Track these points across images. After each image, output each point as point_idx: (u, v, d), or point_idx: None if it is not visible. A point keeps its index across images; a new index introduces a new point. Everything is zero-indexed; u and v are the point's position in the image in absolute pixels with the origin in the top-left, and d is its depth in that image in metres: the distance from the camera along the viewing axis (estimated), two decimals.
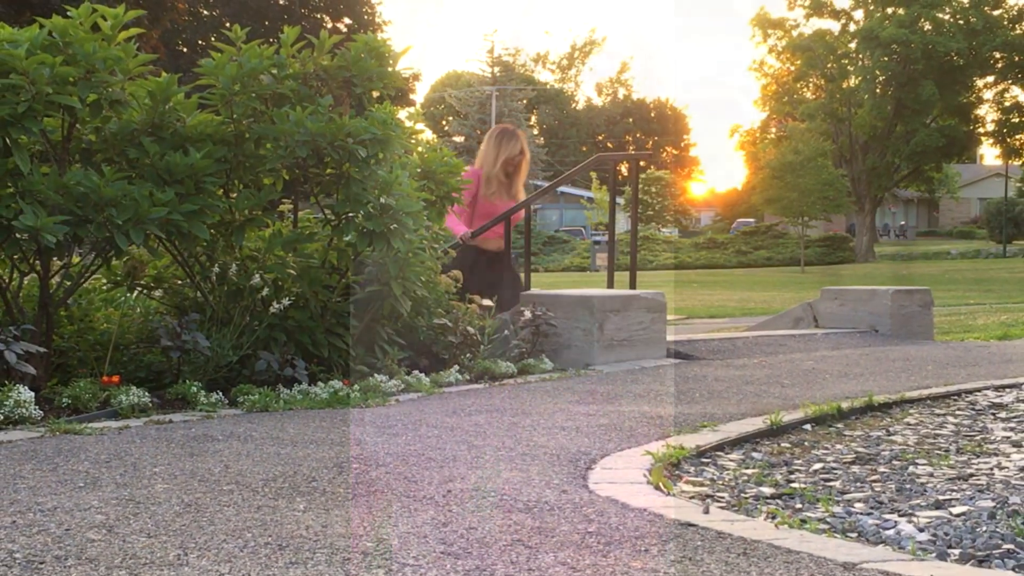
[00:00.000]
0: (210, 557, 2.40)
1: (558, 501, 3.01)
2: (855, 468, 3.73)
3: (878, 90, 48.26)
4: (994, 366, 6.56)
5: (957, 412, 4.93)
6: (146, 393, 4.54)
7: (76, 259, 5.26)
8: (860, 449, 4.06)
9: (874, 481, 3.52)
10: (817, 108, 49.21)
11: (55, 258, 4.92)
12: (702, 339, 7.72)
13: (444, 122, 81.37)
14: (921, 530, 2.88)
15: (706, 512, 2.96)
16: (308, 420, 4.39)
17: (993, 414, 4.86)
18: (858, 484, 3.48)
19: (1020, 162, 54.24)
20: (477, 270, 7.52)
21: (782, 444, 4.19)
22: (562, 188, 58.41)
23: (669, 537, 2.63)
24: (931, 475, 3.60)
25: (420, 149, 6.35)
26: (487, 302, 6.72)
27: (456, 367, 5.76)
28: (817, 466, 3.76)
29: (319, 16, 45.39)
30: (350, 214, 5.44)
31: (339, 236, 5.52)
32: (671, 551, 2.51)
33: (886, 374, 6.09)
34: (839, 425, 4.58)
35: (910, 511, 3.11)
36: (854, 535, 2.85)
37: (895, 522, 2.97)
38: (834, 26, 51.01)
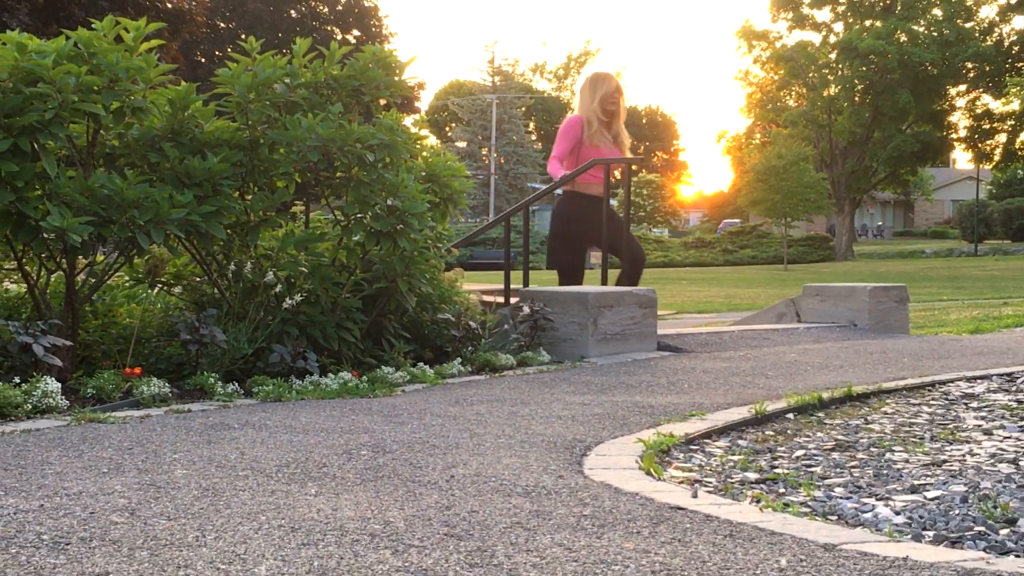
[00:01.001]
0: (227, 539, 2.40)
1: (555, 486, 3.01)
2: (835, 455, 3.73)
3: (857, 98, 48.25)
4: (966, 358, 6.56)
5: (931, 402, 4.93)
6: (166, 384, 4.54)
7: (100, 258, 5.26)
8: (840, 437, 4.06)
9: (853, 467, 3.52)
10: (799, 115, 49.21)
11: (80, 257, 4.92)
12: (691, 333, 7.72)
13: (447, 128, 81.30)
14: (897, 513, 2.88)
15: (694, 496, 2.96)
16: (319, 409, 4.39)
17: (965, 404, 4.86)
18: (838, 470, 3.48)
19: (991, 166, 54.23)
20: (583, 216, 7.55)
21: (766, 432, 4.19)
22: (559, 191, 58.27)
23: (660, 520, 2.63)
24: (907, 461, 3.60)
25: (425, 154, 6.34)
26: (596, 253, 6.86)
27: (459, 359, 5.76)
28: (799, 453, 3.76)
29: (329, 28, 45.39)
30: (359, 215, 5.44)
31: (348, 236, 5.52)
32: (661, 533, 2.51)
33: (864, 366, 6.09)
34: (820, 414, 4.58)
35: (887, 495, 3.11)
36: (834, 518, 2.85)
37: (873, 506, 2.97)
38: (815, 38, 51.00)
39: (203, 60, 38.84)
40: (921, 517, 2.82)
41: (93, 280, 5.07)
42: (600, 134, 7.54)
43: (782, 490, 3.20)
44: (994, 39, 49.34)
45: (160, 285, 5.75)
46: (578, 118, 7.62)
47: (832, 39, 49.77)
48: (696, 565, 2.23)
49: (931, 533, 2.67)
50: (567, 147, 7.60)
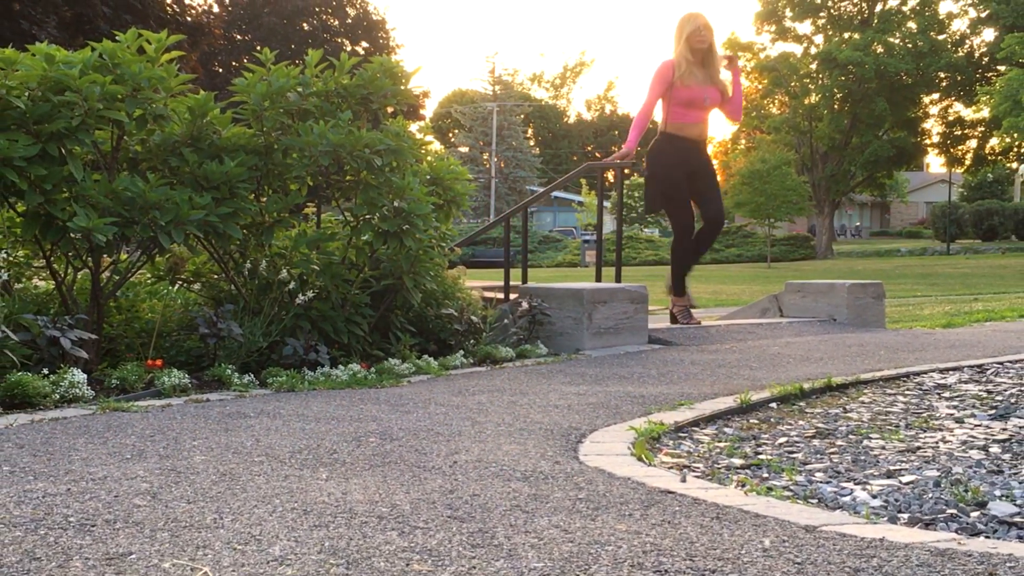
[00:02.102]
0: (243, 521, 2.40)
1: (552, 471, 3.01)
2: (815, 442, 3.73)
3: (836, 106, 48.24)
4: (939, 351, 6.56)
5: (906, 392, 4.93)
6: (186, 375, 4.54)
7: (124, 256, 5.26)
8: (820, 425, 4.06)
9: (832, 453, 3.52)
10: (782, 122, 49.23)
11: (105, 255, 4.92)
12: (679, 327, 7.71)
13: (451, 134, 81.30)
14: (874, 497, 2.88)
15: (683, 481, 2.96)
16: (330, 399, 4.39)
17: (938, 394, 4.86)
18: (818, 456, 3.48)
19: (962, 170, 54.24)
20: (683, 160, 7.21)
21: (751, 420, 4.19)
22: (555, 193, 58.38)
23: (650, 503, 2.63)
24: (883, 448, 3.60)
25: (429, 158, 6.34)
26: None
27: (461, 352, 5.76)
28: (782, 440, 3.76)
29: (340, 40, 45.34)
30: (367, 216, 5.44)
31: (357, 236, 5.52)
32: (652, 515, 2.51)
33: (843, 358, 6.09)
34: (801, 403, 4.58)
35: (864, 480, 3.11)
36: (815, 501, 2.85)
37: (851, 490, 2.97)
38: (797, 49, 51.00)
39: (221, 70, 38.81)
40: (896, 500, 2.82)
41: (117, 277, 5.07)
42: (691, 74, 7.09)
43: (766, 475, 3.20)
44: (965, 50, 49.34)
45: (180, 282, 5.75)
46: (669, 62, 7.18)
47: (813, 50, 49.76)
48: (685, 546, 2.23)
49: (906, 515, 2.67)
50: (657, 93, 7.18)
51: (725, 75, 7.38)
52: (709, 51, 7.16)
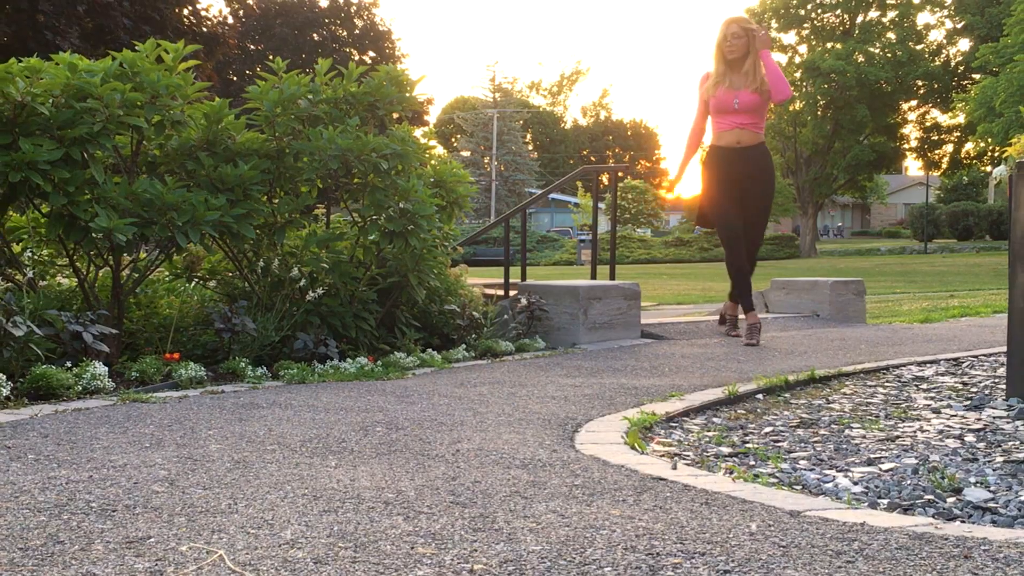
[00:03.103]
0: (256, 506, 2.40)
1: (549, 459, 3.01)
2: (800, 431, 3.73)
3: (819, 112, 48.21)
4: (917, 345, 6.56)
5: (886, 384, 4.93)
6: (202, 368, 4.54)
7: (143, 255, 5.26)
8: (804, 415, 4.06)
9: (816, 442, 3.52)
10: (768, 128, 49.10)
11: (125, 254, 4.92)
12: (671, 322, 7.71)
13: (453, 139, 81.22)
14: (855, 483, 2.88)
15: (674, 468, 2.96)
16: (339, 390, 4.38)
17: (916, 386, 4.86)
18: (802, 444, 3.48)
19: (939, 173, 54.23)
20: (723, 174, 6.60)
21: (738, 411, 4.19)
22: (553, 195, 58.33)
23: (643, 489, 2.63)
24: (864, 437, 3.60)
25: (433, 162, 6.34)
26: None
27: (463, 346, 5.76)
28: (768, 429, 3.76)
29: (348, 50, 45.33)
30: (374, 217, 5.44)
31: (365, 235, 5.52)
32: (645, 501, 2.50)
33: (826, 352, 6.09)
34: (786, 395, 4.58)
35: (846, 467, 3.11)
36: (799, 488, 2.85)
37: (833, 477, 2.97)
38: (782, 58, 50.90)
39: (235, 78, 38.78)
40: (877, 487, 2.82)
41: (137, 275, 5.07)
42: (721, 81, 6.53)
43: (752, 463, 3.20)
44: (942, 60, 49.35)
45: (196, 279, 5.75)
46: (705, 74, 6.69)
47: (797, 60, 49.73)
48: (676, 530, 2.23)
49: (885, 501, 2.67)
50: (699, 107, 6.67)
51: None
52: (744, 57, 6.52)
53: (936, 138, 51.27)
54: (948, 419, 3.92)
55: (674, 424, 3.84)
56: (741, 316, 6.97)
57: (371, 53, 45.69)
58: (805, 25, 49.98)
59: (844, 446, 3.44)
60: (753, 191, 6.63)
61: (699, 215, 6.96)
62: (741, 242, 6.55)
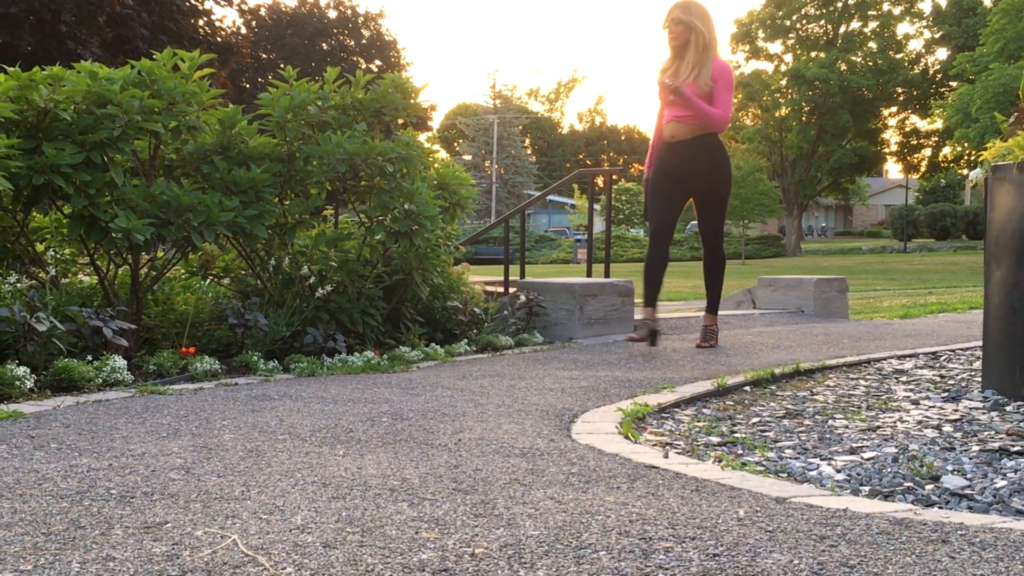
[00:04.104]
0: (268, 493, 2.40)
1: (547, 448, 3.01)
2: (785, 421, 3.73)
3: (804, 118, 48.25)
4: (897, 339, 6.56)
5: (867, 376, 4.93)
6: (216, 361, 4.54)
7: (160, 254, 5.26)
8: (789, 406, 4.06)
9: (801, 432, 3.52)
10: (755, 133, 49.19)
11: (143, 253, 4.92)
12: (662, 318, 7.70)
13: (456, 144, 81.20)
14: (838, 471, 2.88)
15: (666, 457, 2.96)
16: (346, 383, 4.38)
17: (896, 378, 4.85)
18: (788, 434, 3.48)
19: (918, 176, 54.27)
20: (658, 167, 5.99)
21: (727, 402, 4.18)
22: (550, 197, 58.31)
23: (636, 477, 2.63)
24: (846, 427, 3.59)
25: (436, 166, 6.34)
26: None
27: (465, 340, 5.76)
28: (755, 420, 3.76)
29: (355, 59, 45.33)
30: (380, 217, 5.44)
31: (371, 235, 5.52)
32: (638, 488, 2.50)
33: (810, 346, 6.09)
34: (773, 387, 4.58)
35: (830, 456, 3.10)
36: (785, 475, 2.85)
37: (817, 465, 2.97)
38: (768, 67, 50.98)
39: (248, 86, 38.75)
40: (859, 475, 2.82)
41: (154, 273, 5.06)
42: (668, 68, 5.93)
43: (740, 451, 3.20)
44: (920, 68, 49.40)
45: (211, 277, 5.75)
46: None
47: (783, 68, 49.75)
48: (667, 515, 2.23)
49: (867, 488, 2.67)
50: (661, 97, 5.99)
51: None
52: (685, 46, 5.86)
53: (915, 143, 51.34)
54: (927, 410, 3.92)
55: (666, 415, 3.84)
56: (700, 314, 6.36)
57: (377, 62, 45.69)
58: (791, 35, 50.00)
59: (828, 436, 3.44)
60: (696, 186, 5.95)
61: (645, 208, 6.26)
62: (664, 238, 5.92)
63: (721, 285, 6.22)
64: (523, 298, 6.46)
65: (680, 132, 5.86)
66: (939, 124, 41.74)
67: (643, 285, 6.00)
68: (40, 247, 5.17)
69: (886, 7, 48.21)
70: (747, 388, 4.51)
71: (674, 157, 5.91)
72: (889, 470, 2.87)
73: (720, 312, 7.20)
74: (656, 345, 5.92)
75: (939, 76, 48.18)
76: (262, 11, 46.59)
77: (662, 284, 6.02)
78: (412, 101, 5.86)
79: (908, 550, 1.97)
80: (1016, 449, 3.08)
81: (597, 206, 18.25)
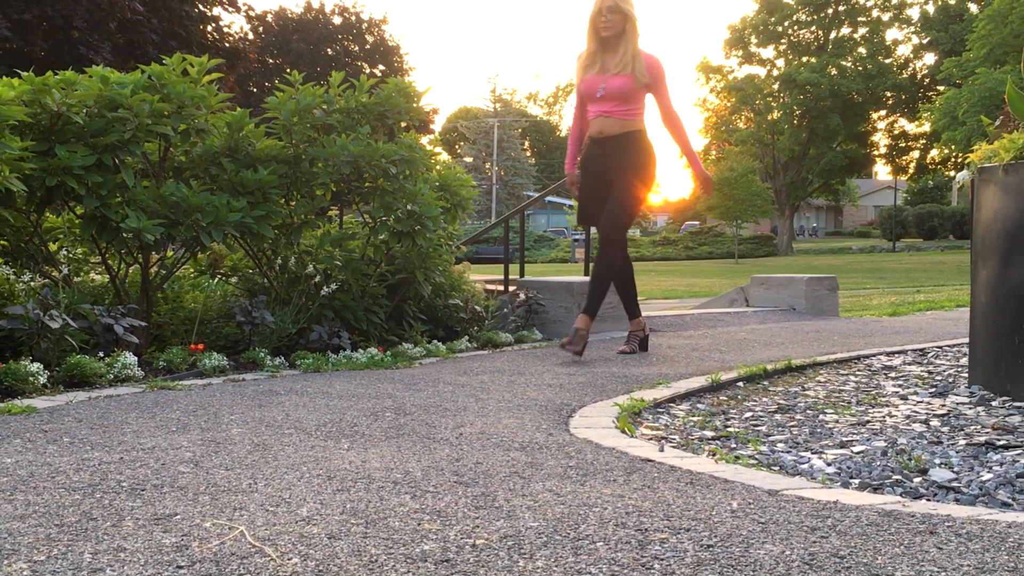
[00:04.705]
0: (275, 486, 2.40)
1: (546, 442, 3.01)
2: (777, 416, 3.73)
3: (795, 121, 48.20)
4: (886, 336, 6.55)
5: (857, 372, 4.93)
6: (224, 358, 4.54)
7: (170, 253, 5.26)
8: (781, 401, 4.06)
9: (792, 426, 3.52)
10: (748, 135, 49.19)
11: (153, 252, 4.92)
12: (658, 315, 7.71)
13: (457, 146, 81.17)
14: (829, 464, 2.88)
15: (661, 451, 2.96)
16: (351, 379, 4.38)
17: (885, 374, 4.85)
18: (780, 429, 3.48)
19: (906, 177, 54.25)
20: (585, 167, 5.52)
21: (721, 397, 4.18)
22: (549, 198, 58.21)
23: (632, 470, 2.63)
24: (837, 422, 3.59)
25: (438, 167, 6.34)
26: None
27: (466, 337, 5.76)
28: (748, 414, 3.76)
29: (359, 64, 45.30)
30: (383, 218, 5.43)
31: (375, 235, 5.52)
32: (634, 481, 2.50)
33: (802, 343, 6.08)
34: (765, 383, 4.58)
35: (820, 450, 3.10)
36: (777, 468, 2.85)
37: (809, 458, 2.97)
38: (761, 71, 50.94)
39: (255, 90, 38.73)
40: (849, 468, 2.82)
41: (164, 272, 5.06)
42: (591, 64, 5.41)
43: (734, 445, 3.20)
44: (909, 73, 49.38)
45: (219, 276, 5.75)
46: (579, 53, 5.52)
47: (775, 72, 49.73)
48: (663, 507, 2.23)
49: (857, 481, 2.67)
50: (577, 97, 5.57)
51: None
52: (618, 37, 5.33)
53: (904, 145, 51.32)
54: (915, 405, 3.92)
55: (661, 410, 3.84)
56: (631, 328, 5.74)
57: (381, 67, 45.65)
58: (782, 41, 49.95)
59: (818, 430, 3.44)
60: (613, 177, 5.42)
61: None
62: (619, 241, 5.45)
63: (604, 292, 5.42)
64: (523, 296, 6.46)
65: (609, 127, 5.36)
66: (927, 127, 41.71)
67: (589, 298, 5.37)
68: (53, 247, 5.17)
69: (875, 13, 48.17)
70: (740, 384, 4.51)
71: (600, 156, 5.42)
72: (878, 463, 2.87)
73: (714, 310, 7.15)
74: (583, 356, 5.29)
75: (927, 80, 48.16)
76: (269, 17, 46.57)
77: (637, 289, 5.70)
78: (415, 105, 5.85)
79: (897, 541, 1.97)
80: (1002, 443, 3.08)
81: None
